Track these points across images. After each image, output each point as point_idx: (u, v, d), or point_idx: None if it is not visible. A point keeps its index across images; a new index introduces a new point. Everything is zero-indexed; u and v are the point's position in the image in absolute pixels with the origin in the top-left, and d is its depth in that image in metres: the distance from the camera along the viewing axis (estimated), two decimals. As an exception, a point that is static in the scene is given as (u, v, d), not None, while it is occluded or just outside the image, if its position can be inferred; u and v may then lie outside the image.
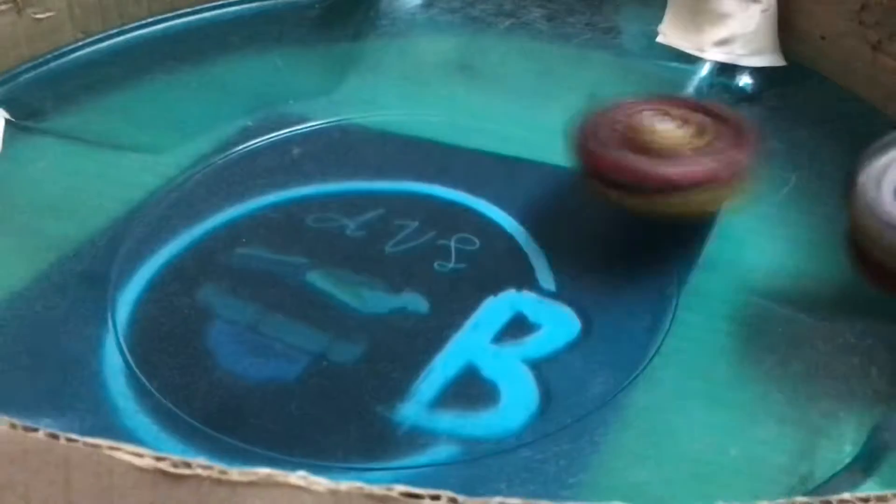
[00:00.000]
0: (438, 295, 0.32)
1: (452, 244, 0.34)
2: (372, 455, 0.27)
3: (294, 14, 0.45)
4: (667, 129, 0.33)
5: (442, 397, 0.29)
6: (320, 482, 0.16)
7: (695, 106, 0.34)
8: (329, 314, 0.31)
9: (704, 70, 0.41)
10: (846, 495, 0.17)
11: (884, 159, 0.29)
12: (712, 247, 0.34)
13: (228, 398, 0.29)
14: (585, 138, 0.33)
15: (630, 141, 0.32)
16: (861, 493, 0.17)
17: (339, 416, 0.28)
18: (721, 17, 0.41)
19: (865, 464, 0.27)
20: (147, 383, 0.29)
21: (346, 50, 0.43)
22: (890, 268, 0.28)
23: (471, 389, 0.29)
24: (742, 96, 0.41)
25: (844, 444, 0.27)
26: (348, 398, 0.29)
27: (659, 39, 0.43)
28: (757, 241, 0.34)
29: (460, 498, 0.16)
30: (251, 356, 0.30)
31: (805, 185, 0.36)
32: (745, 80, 0.41)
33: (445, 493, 0.16)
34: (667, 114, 0.33)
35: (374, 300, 0.31)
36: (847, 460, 0.27)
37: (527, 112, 0.40)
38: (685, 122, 0.33)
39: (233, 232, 0.34)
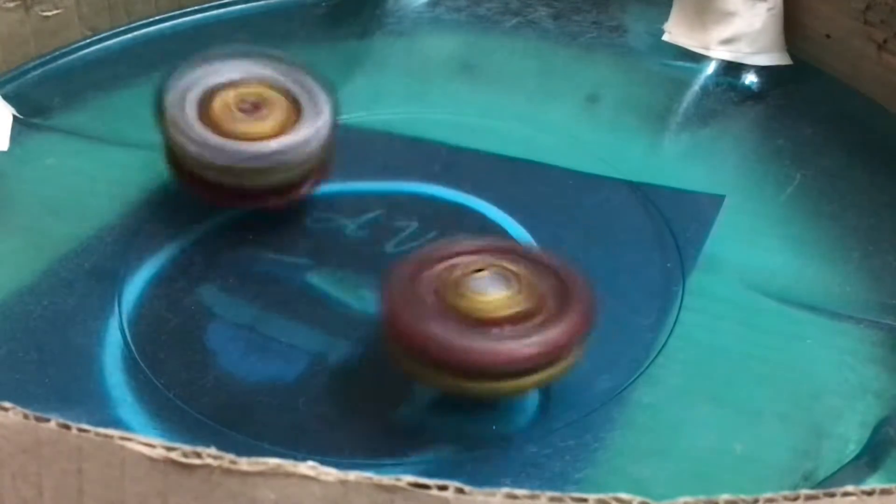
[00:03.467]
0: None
1: (452, 244, 0.34)
2: (377, 452, 0.27)
3: (300, 12, 0.45)
4: (499, 295, 0.27)
5: (442, 398, 0.29)
6: (330, 472, 0.16)
7: (532, 258, 0.28)
8: (330, 314, 0.31)
9: (710, 69, 0.41)
10: (850, 488, 0.17)
11: (185, 79, 0.33)
12: (715, 246, 0.34)
13: (235, 394, 0.29)
14: (398, 304, 0.27)
15: (451, 307, 0.27)
16: (866, 487, 0.17)
17: (343, 414, 0.28)
18: (727, 16, 0.41)
19: (870, 459, 0.27)
20: (154, 379, 0.29)
21: (351, 48, 0.43)
22: (199, 175, 0.33)
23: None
24: (747, 95, 0.41)
25: (848, 443, 0.27)
26: (349, 397, 0.29)
27: (665, 38, 0.43)
28: (761, 240, 0.34)
29: (467, 488, 0.16)
30: (253, 355, 0.30)
31: (810, 184, 0.36)
32: (750, 79, 0.41)
33: (453, 484, 0.16)
34: (502, 273, 0.27)
35: (375, 300, 0.31)
36: (850, 459, 0.27)
37: (532, 111, 0.40)
38: (520, 283, 0.27)
39: (239, 229, 0.34)
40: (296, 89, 0.34)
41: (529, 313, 0.26)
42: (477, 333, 0.26)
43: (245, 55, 0.34)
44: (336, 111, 0.33)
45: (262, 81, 0.34)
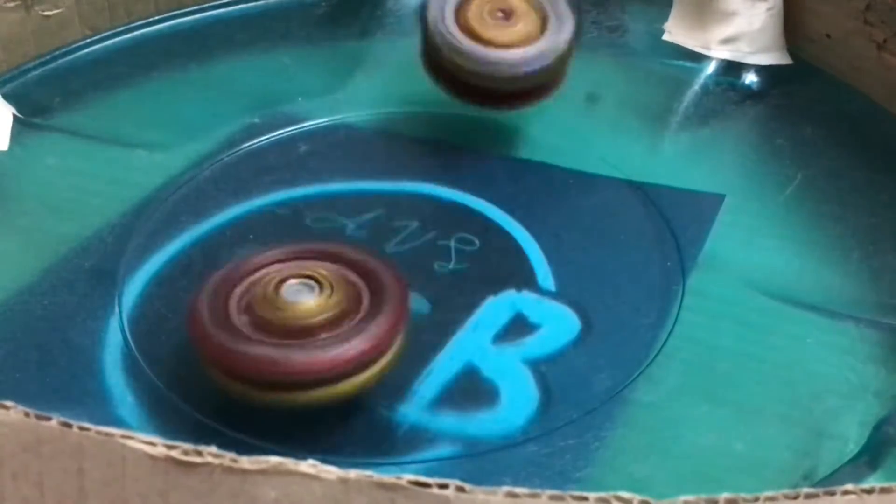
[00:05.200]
0: (438, 295, 0.32)
1: (452, 244, 0.34)
2: (377, 451, 0.27)
3: (301, 12, 0.45)
4: (308, 303, 0.26)
5: (442, 397, 0.29)
6: (330, 470, 0.16)
7: (346, 261, 0.28)
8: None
9: (710, 68, 0.41)
10: (850, 486, 0.17)
11: None
12: (716, 245, 0.34)
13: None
14: (204, 320, 0.26)
15: (260, 318, 0.26)
16: (865, 486, 0.17)
17: (343, 413, 0.28)
18: (727, 16, 0.41)
19: (870, 458, 0.27)
20: (154, 378, 0.29)
21: (352, 48, 0.43)
22: (451, 74, 0.36)
23: (470, 389, 0.29)
24: (747, 94, 0.41)
25: (847, 443, 0.27)
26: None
27: (665, 37, 0.43)
28: (761, 240, 0.34)
29: (468, 486, 0.16)
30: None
31: (810, 184, 0.37)
32: (750, 79, 0.41)
33: (453, 482, 0.16)
34: (312, 278, 0.27)
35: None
36: (850, 458, 0.27)
37: (532, 111, 0.40)
38: (331, 288, 0.27)
39: (239, 229, 0.34)
40: (545, 3, 0.37)
41: (344, 315, 0.26)
42: (296, 344, 0.25)
43: None
44: (579, 26, 0.36)
45: None
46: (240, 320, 0.26)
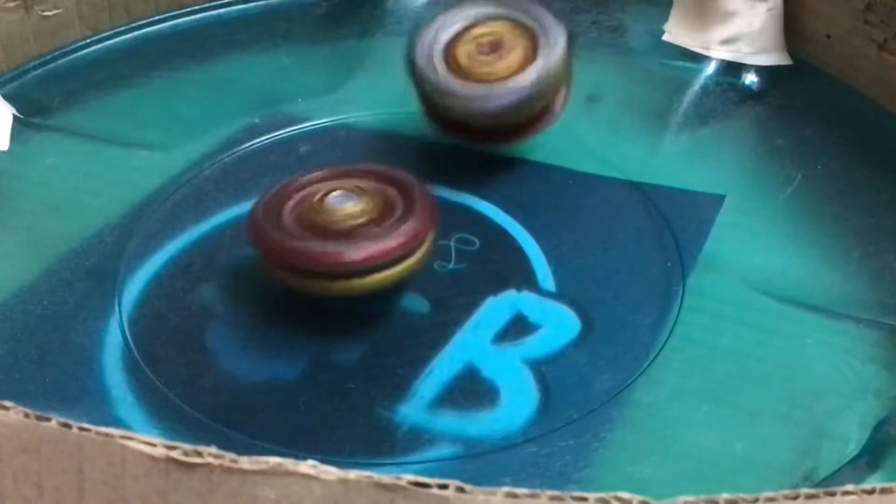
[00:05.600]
0: (438, 295, 0.32)
1: (452, 244, 0.34)
2: (376, 452, 0.27)
3: (301, 12, 0.45)
4: (351, 209, 0.30)
5: (442, 397, 0.29)
6: (330, 471, 0.16)
7: (379, 175, 0.32)
8: (329, 314, 0.31)
9: (710, 68, 0.41)
10: (850, 487, 0.17)
11: (427, 35, 0.35)
12: (715, 245, 0.34)
13: (235, 393, 0.29)
14: (264, 224, 0.31)
15: (312, 224, 0.30)
16: (866, 486, 0.17)
17: (343, 414, 0.28)
18: (727, 16, 0.41)
19: (870, 458, 0.27)
20: (154, 378, 0.29)
21: (352, 48, 0.43)
22: (463, 122, 0.35)
23: (471, 390, 0.29)
24: (748, 95, 0.41)
25: (848, 443, 0.27)
26: (349, 398, 0.29)
27: (665, 38, 0.43)
28: (761, 240, 0.34)
29: (468, 487, 0.16)
30: (253, 355, 0.30)
31: (810, 184, 0.36)
32: (750, 79, 0.41)
33: (453, 483, 0.16)
34: (352, 190, 0.31)
35: (375, 300, 0.31)
36: (850, 458, 0.27)
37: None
38: (371, 197, 0.31)
39: (239, 229, 0.34)
40: (528, 21, 0.35)
41: (381, 217, 0.30)
42: (340, 240, 0.29)
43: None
44: (571, 35, 0.35)
45: (494, 20, 0.36)
46: (291, 222, 0.30)
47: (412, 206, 0.31)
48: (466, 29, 0.35)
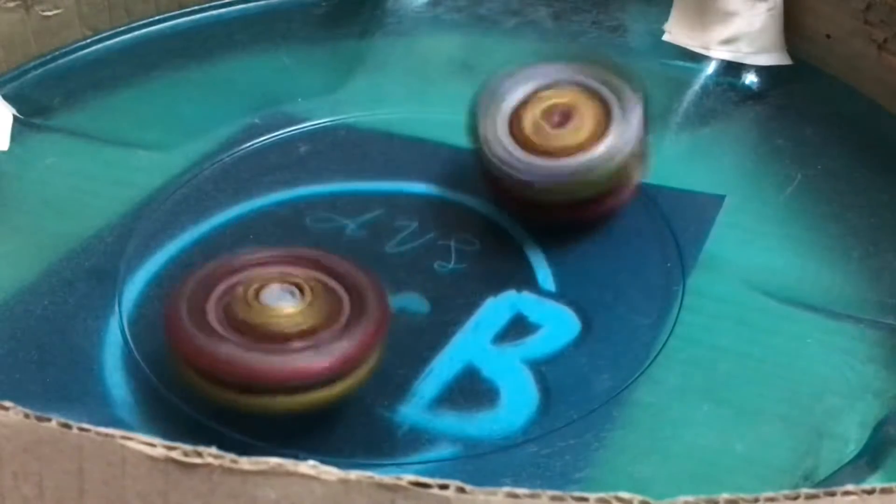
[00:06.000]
0: (438, 295, 0.32)
1: (452, 244, 0.34)
2: (376, 452, 0.27)
3: (300, 12, 0.45)
4: (290, 308, 0.26)
5: (442, 397, 0.29)
6: (330, 471, 0.16)
7: (325, 267, 0.28)
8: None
9: (710, 68, 0.41)
10: (851, 487, 0.17)
11: (493, 99, 0.33)
12: (716, 245, 0.34)
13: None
14: (183, 319, 0.26)
15: (241, 322, 0.26)
16: (866, 486, 0.17)
17: (343, 414, 0.28)
18: (727, 16, 0.41)
19: (870, 458, 0.27)
20: (154, 378, 0.29)
21: (352, 48, 0.43)
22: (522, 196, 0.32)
23: (471, 390, 0.29)
24: (748, 94, 0.41)
25: (848, 443, 0.27)
26: (350, 397, 0.29)
27: (665, 38, 0.43)
28: (761, 240, 0.34)
29: (468, 487, 0.16)
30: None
31: (810, 184, 0.37)
32: (750, 79, 0.41)
33: (454, 483, 0.16)
34: (294, 284, 0.27)
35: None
36: (850, 458, 0.27)
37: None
38: (312, 293, 0.27)
39: (239, 229, 0.34)
40: (603, 90, 0.33)
41: (321, 326, 0.26)
42: (266, 349, 0.25)
43: (547, 62, 0.34)
44: (646, 109, 0.32)
45: (567, 86, 0.33)
46: (217, 320, 0.26)
47: (359, 315, 0.26)
48: (538, 95, 0.33)
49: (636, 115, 0.32)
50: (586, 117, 0.32)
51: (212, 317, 0.26)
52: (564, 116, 0.32)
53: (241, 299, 0.26)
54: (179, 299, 0.27)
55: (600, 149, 0.31)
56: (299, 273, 0.27)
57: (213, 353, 0.25)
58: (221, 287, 0.27)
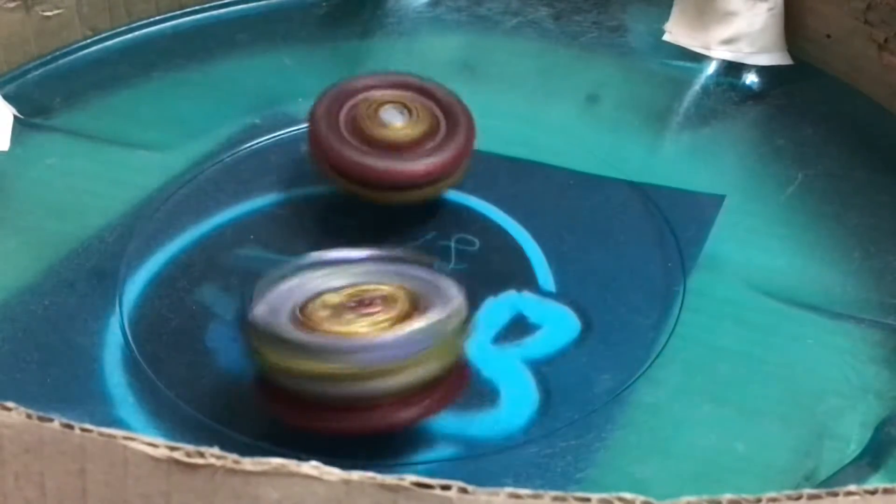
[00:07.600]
0: (439, 295, 0.32)
1: (452, 244, 0.34)
2: (377, 452, 0.27)
3: (301, 12, 0.45)
4: (402, 124, 0.33)
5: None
6: (333, 472, 0.16)
7: (425, 91, 0.35)
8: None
9: (711, 68, 0.41)
10: (853, 487, 0.17)
11: (280, 288, 0.27)
12: (716, 246, 0.34)
13: (235, 393, 0.29)
14: (322, 129, 0.33)
15: (366, 134, 0.33)
16: (868, 486, 0.17)
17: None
18: (727, 16, 0.41)
19: (872, 459, 0.27)
20: (155, 378, 0.29)
21: (353, 48, 0.43)
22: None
23: (471, 390, 0.29)
24: (748, 94, 0.41)
25: (849, 443, 0.27)
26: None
27: (665, 38, 0.43)
28: (761, 240, 0.34)
29: (471, 488, 0.16)
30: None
31: (811, 184, 0.37)
32: (751, 79, 0.41)
33: (456, 483, 0.16)
34: (404, 106, 0.34)
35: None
36: (851, 458, 0.27)
37: (532, 111, 0.40)
38: (419, 114, 0.34)
39: (239, 229, 0.34)
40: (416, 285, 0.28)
41: (423, 140, 0.33)
42: (381, 155, 0.32)
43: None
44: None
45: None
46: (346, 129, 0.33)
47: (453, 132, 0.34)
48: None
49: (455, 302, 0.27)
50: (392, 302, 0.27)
51: (343, 127, 0.33)
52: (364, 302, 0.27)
53: (364, 115, 0.33)
54: (318, 112, 0.34)
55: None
56: (407, 96, 0.34)
57: (342, 155, 0.33)
58: (349, 103, 0.34)
